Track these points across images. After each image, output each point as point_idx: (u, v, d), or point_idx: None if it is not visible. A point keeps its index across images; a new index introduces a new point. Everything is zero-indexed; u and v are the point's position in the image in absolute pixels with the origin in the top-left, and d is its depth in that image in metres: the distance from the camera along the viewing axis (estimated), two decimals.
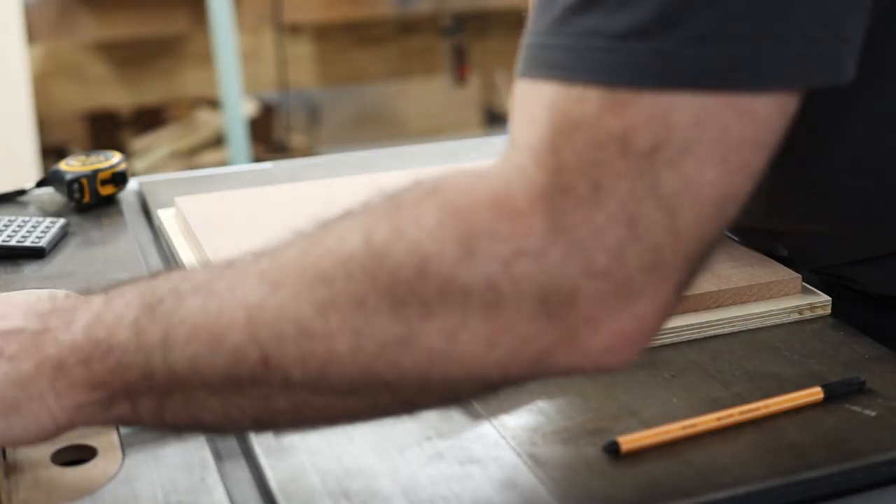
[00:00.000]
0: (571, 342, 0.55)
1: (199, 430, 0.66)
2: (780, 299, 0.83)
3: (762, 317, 0.82)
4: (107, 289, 0.62)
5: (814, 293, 0.84)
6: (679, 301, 0.57)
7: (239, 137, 2.99)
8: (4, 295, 0.73)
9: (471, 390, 0.60)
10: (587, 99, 0.54)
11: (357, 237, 0.57)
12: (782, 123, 0.56)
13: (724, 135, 0.54)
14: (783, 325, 0.82)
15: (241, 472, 0.67)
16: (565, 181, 0.54)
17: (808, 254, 0.87)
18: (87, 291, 0.63)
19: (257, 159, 3.01)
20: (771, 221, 0.86)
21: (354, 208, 0.59)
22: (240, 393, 0.58)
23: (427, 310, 0.55)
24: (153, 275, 0.63)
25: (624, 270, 0.54)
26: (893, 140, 0.76)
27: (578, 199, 0.53)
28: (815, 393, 0.71)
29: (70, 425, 0.62)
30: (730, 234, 0.93)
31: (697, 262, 0.57)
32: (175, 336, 0.58)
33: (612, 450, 0.66)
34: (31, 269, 0.97)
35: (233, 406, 0.59)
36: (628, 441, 0.66)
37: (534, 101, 0.56)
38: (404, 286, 0.55)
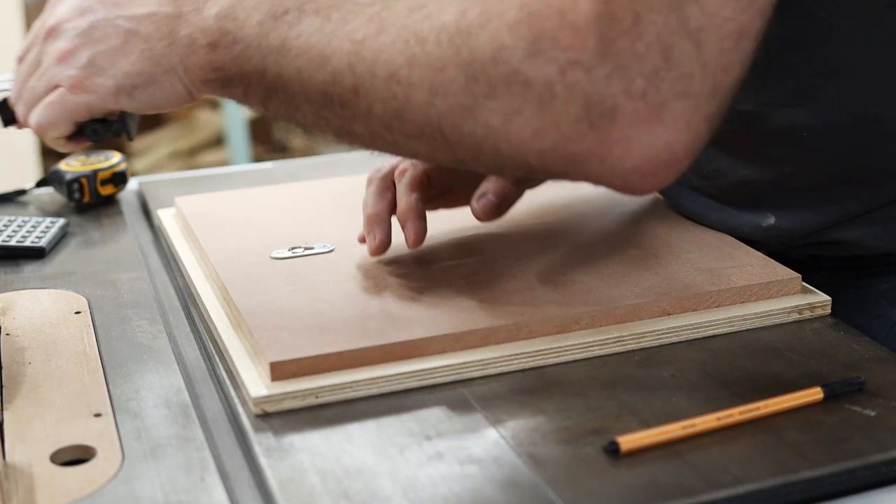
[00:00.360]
0: (605, 154, 0.63)
1: (293, 125, 0.75)
2: (780, 299, 0.83)
3: (762, 317, 0.82)
4: None
5: (814, 293, 0.84)
6: (707, 134, 0.64)
7: (239, 137, 2.99)
8: None
9: (513, 169, 0.68)
10: None
11: (453, 11, 0.66)
12: None
13: None
14: (783, 325, 0.82)
15: (242, 472, 0.67)
16: (613, 9, 0.61)
17: (795, 219, 0.88)
18: None
19: (257, 159, 3.01)
20: (763, 175, 0.87)
21: None
22: (329, 108, 0.70)
23: (493, 90, 0.64)
24: None
25: (658, 94, 0.62)
26: (879, 72, 0.79)
27: (623, 29, 0.61)
28: (815, 393, 0.71)
29: (198, 94, 0.77)
30: (714, 199, 0.93)
31: (723, 96, 0.63)
32: (290, 46, 0.70)
33: (612, 450, 0.66)
34: (31, 269, 0.97)
35: (321, 117, 0.71)
36: (628, 441, 0.66)
37: None
38: (478, 65, 0.64)
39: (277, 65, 0.70)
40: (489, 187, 0.86)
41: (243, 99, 0.74)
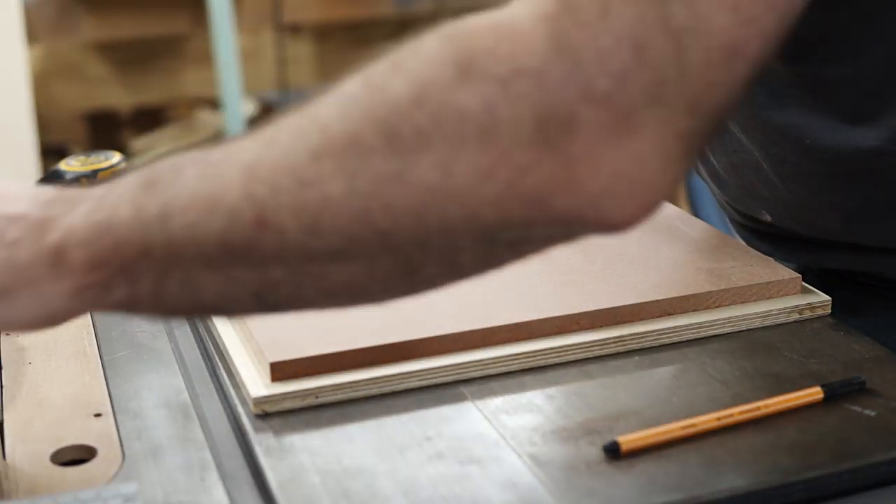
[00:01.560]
0: (569, 176, 0.52)
1: (198, 312, 0.64)
2: (780, 299, 0.83)
3: (762, 317, 0.82)
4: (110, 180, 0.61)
5: (814, 293, 0.84)
6: (681, 161, 0.54)
7: None
8: (9, 181, 0.67)
9: (472, 240, 0.55)
10: None
11: (356, 82, 0.55)
12: None
13: None
14: (783, 325, 0.82)
15: (241, 472, 0.67)
16: (573, 3, 0.52)
17: (791, 215, 0.87)
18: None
19: None
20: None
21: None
22: (236, 263, 0.56)
23: (422, 140, 0.52)
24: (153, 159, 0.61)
25: (625, 98, 0.51)
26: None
27: (585, 20, 0.51)
28: (815, 393, 0.71)
29: (68, 313, 0.60)
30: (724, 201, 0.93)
31: (702, 118, 0.53)
32: (173, 206, 0.56)
33: (612, 450, 0.66)
34: None
35: (230, 280, 0.57)
36: (628, 441, 0.66)
37: None
38: (400, 116, 0.53)
39: (163, 234, 0.56)
40: None
41: (132, 303, 0.59)
